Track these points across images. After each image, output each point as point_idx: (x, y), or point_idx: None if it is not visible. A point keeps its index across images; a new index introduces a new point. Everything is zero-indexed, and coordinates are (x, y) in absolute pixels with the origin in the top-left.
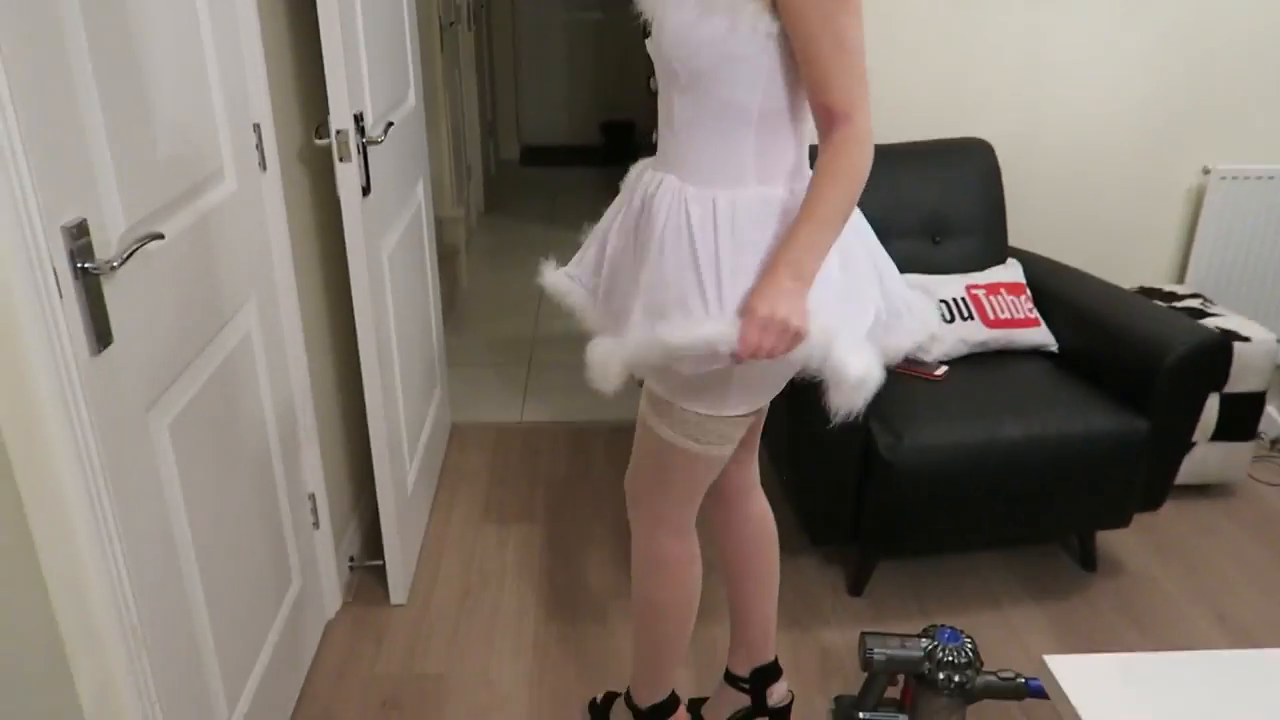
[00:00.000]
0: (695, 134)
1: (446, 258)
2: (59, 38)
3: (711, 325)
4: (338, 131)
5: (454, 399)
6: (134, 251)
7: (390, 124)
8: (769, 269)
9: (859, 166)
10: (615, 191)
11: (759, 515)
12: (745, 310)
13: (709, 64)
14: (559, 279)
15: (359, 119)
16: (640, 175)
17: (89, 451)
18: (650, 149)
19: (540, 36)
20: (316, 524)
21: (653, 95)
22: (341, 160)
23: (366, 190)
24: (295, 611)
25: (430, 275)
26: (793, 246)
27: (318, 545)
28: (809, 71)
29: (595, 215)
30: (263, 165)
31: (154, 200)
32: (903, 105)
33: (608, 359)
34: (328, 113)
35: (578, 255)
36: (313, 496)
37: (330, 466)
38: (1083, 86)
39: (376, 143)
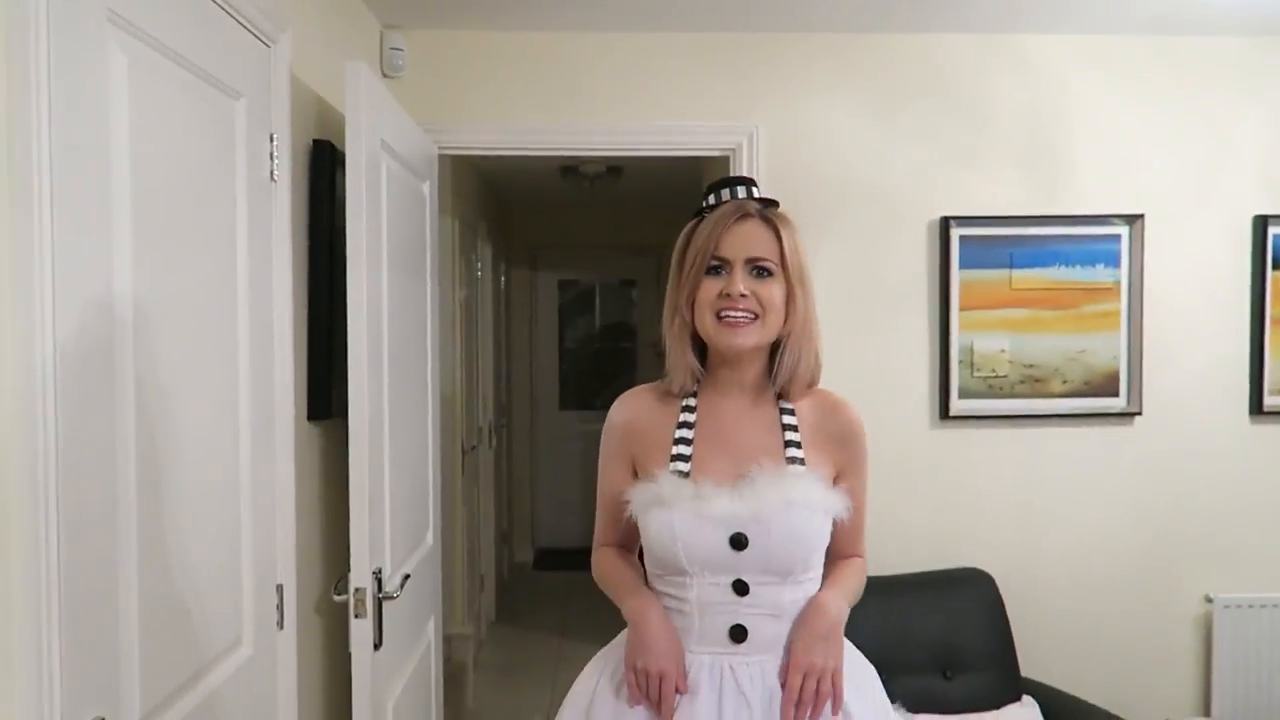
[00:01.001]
0: (795, 614)
1: (453, 677)
2: (112, 533)
3: None
4: (355, 589)
5: None
6: None
7: (407, 576)
8: (826, 613)
9: (863, 580)
10: None
11: None
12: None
13: (819, 554)
14: None
15: (378, 574)
16: (720, 677)
17: None
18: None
19: (558, 446)
20: None
21: None
22: (357, 616)
23: (378, 645)
24: None
25: (435, 715)
26: (838, 593)
27: None
28: (850, 531)
29: (607, 620)
30: (280, 624)
31: (171, 682)
32: (899, 537)
33: None
34: (348, 568)
35: None
36: None
37: None
38: (1073, 519)
39: (392, 598)
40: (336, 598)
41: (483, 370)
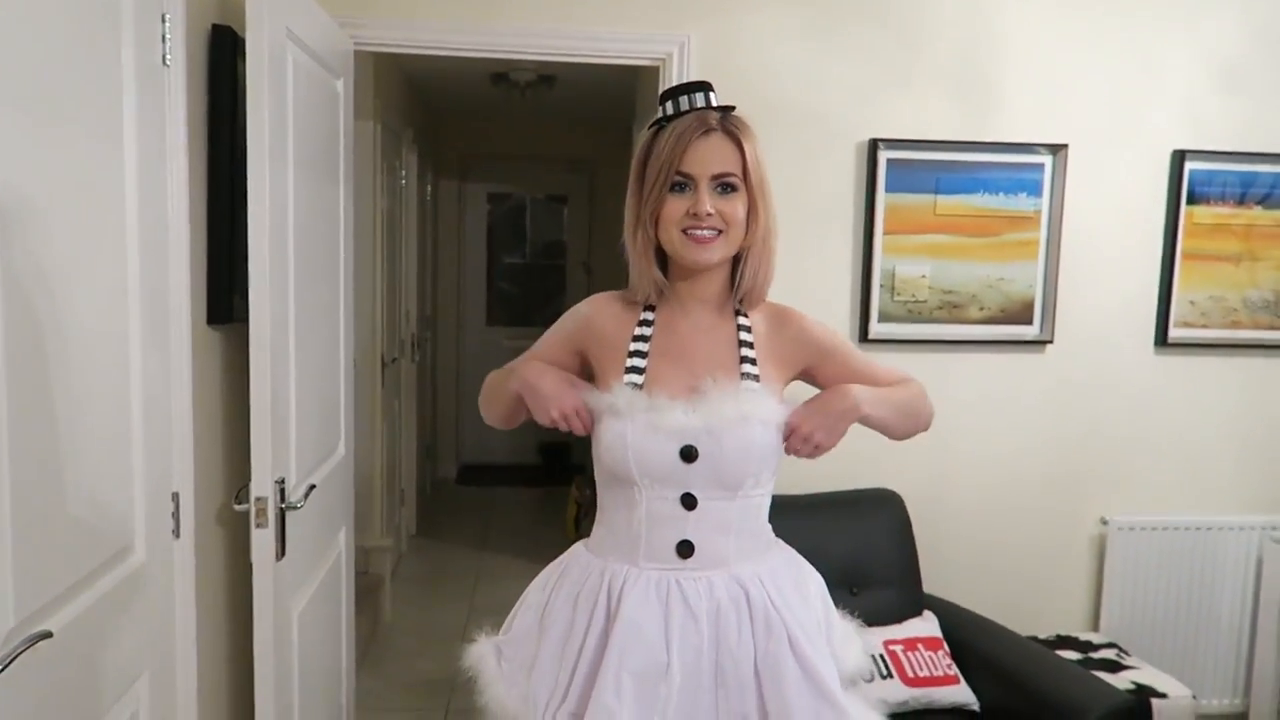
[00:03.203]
0: (747, 531)
1: (370, 589)
2: None
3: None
4: (257, 499)
5: None
6: (18, 655)
7: (313, 487)
8: (846, 396)
9: (928, 413)
10: (549, 513)
11: None
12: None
13: (769, 469)
14: (488, 660)
15: (280, 483)
16: (667, 591)
17: None
18: (584, 469)
19: (484, 361)
20: None
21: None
22: (258, 527)
23: (281, 554)
24: None
25: (346, 626)
26: (874, 390)
27: None
28: (884, 373)
29: (527, 537)
30: (176, 533)
31: (52, 589)
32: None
33: None
34: (250, 478)
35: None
36: None
37: None
38: (982, 444)
39: (295, 508)
40: (237, 507)
41: (406, 282)
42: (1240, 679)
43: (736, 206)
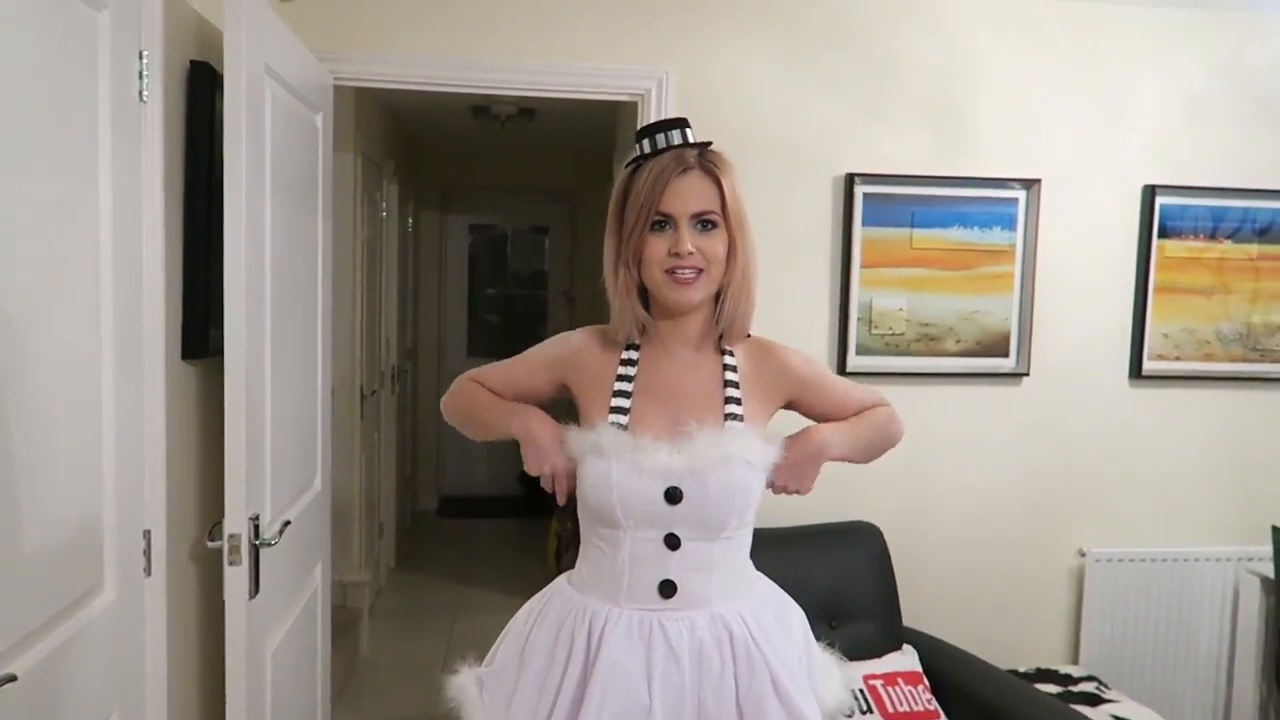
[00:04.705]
0: (729, 570)
1: (348, 624)
2: None
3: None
4: (230, 536)
5: None
6: None
7: (287, 523)
8: (810, 440)
9: (896, 433)
10: (530, 545)
11: None
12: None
13: (752, 508)
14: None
15: (255, 520)
16: (649, 632)
17: None
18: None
19: None
20: None
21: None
22: (231, 564)
23: (255, 592)
24: None
25: (321, 662)
26: (838, 428)
27: None
28: (854, 398)
29: (509, 570)
30: (148, 571)
31: (17, 630)
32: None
33: None
34: (224, 515)
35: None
36: None
37: None
38: (960, 476)
39: (269, 545)
40: (210, 544)
41: (386, 312)
42: (1219, 710)
43: (716, 244)
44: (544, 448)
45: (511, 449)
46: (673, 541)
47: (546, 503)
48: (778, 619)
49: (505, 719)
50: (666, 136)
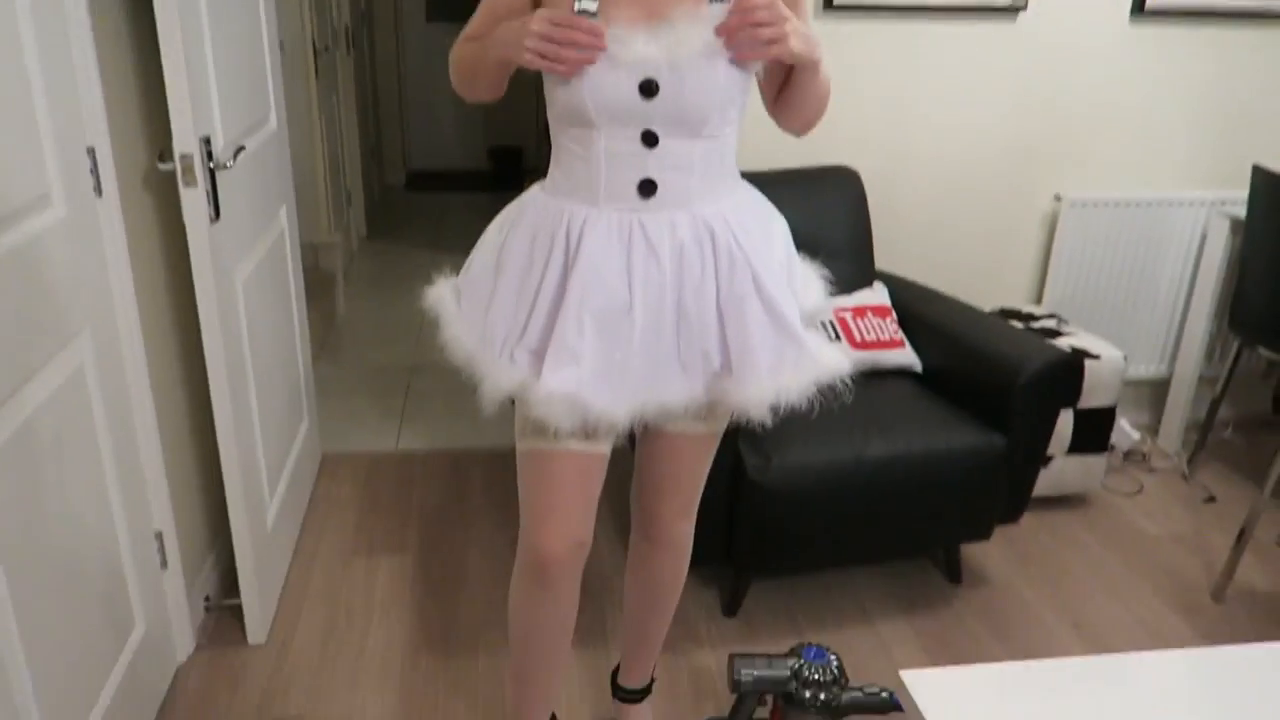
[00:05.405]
0: (711, 170)
1: (323, 285)
2: None
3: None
4: (181, 156)
5: (327, 430)
6: None
7: (241, 148)
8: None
9: (823, 108)
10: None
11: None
12: None
13: (735, 106)
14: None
15: (206, 142)
16: (629, 232)
17: None
18: (537, 174)
19: (427, 62)
20: (164, 563)
21: (543, 125)
22: (186, 186)
23: (215, 217)
24: (139, 657)
25: (296, 304)
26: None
27: (167, 585)
28: None
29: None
30: (98, 190)
31: None
32: (773, 136)
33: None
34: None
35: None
36: (160, 535)
37: (183, 503)
38: (943, 121)
39: (225, 168)
40: (162, 166)
41: None
42: (1169, 347)
43: None
44: (528, 28)
45: (478, 123)
46: (650, 139)
47: (517, 175)
48: (760, 223)
49: (483, 325)
50: None
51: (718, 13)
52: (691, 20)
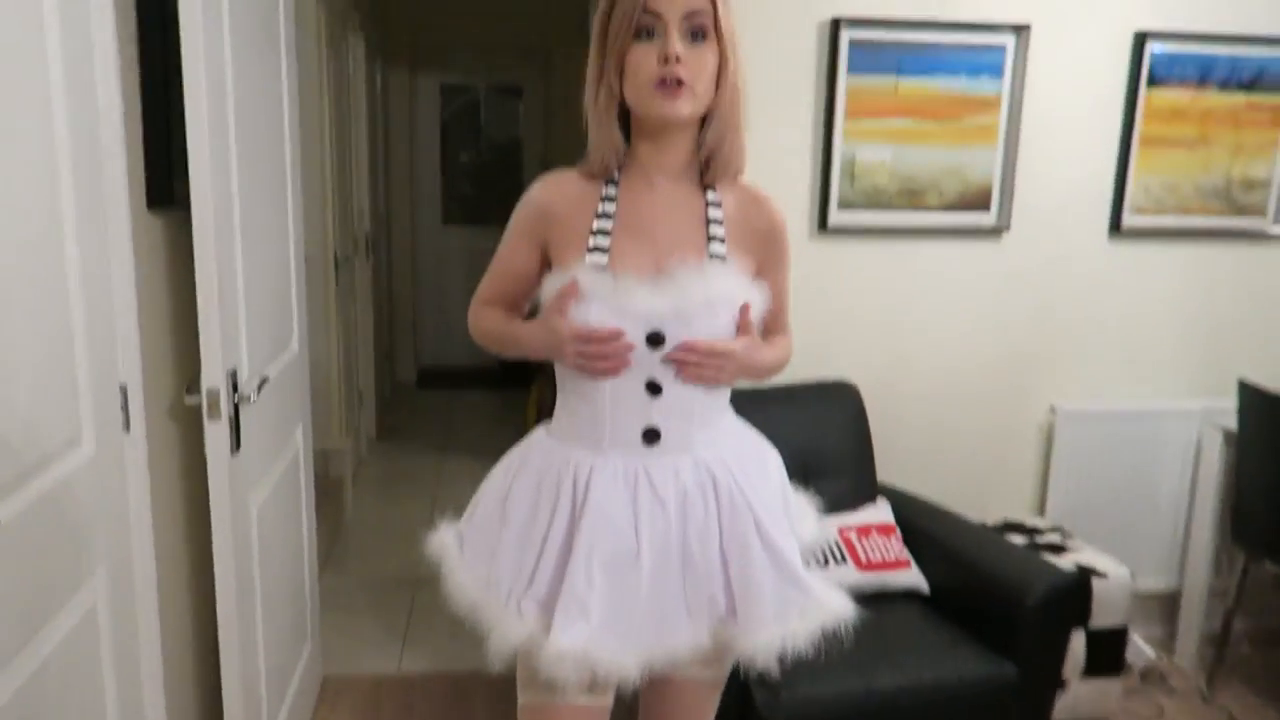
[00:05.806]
0: (711, 414)
1: (331, 492)
2: None
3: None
4: (209, 390)
5: (329, 647)
6: None
7: (265, 379)
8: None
9: (787, 359)
10: (509, 416)
11: None
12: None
13: None
14: (450, 547)
15: (233, 375)
16: (635, 479)
17: None
18: (545, 374)
19: (439, 262)
20: None
21: None
22: (211, 420)
23: (236, 448)
24: None
25: (306, 520)
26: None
27: None
28: (774, 315)
29: (489, 440)
30: (126, 426)
31: None
32: None
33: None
34: (200, 370)
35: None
36: None
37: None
38: (938, 334)
39: (249, 401)
40: (189, 399)
41: (357, 176)
42: (1175, 560)
43: (706, 57)
44: (565, 326)
45: None
46: (654, 387)
47: (525, 374)
48: (757, 462)
49: (489, 573)
50: None
51: (722, 268)
52: (694, 274)
